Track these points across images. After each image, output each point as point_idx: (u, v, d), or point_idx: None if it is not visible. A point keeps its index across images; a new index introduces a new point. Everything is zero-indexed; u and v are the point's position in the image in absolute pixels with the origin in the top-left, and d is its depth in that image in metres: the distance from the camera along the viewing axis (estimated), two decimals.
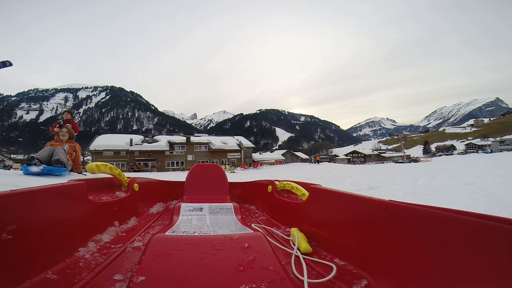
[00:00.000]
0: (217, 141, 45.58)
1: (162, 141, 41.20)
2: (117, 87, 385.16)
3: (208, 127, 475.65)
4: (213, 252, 0.80)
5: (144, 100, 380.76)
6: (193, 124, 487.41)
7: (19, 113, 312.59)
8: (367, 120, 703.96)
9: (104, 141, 37.58)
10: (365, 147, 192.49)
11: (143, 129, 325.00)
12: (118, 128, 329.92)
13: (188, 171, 2.46)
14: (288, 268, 0.84)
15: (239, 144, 46.35)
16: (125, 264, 0.81)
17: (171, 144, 40.62)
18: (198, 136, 49.17)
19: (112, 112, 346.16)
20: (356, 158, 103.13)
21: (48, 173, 3.80)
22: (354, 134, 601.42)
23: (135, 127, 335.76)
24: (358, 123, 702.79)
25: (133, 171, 32.59)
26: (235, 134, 58.32)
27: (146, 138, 42.61)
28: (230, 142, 47.01)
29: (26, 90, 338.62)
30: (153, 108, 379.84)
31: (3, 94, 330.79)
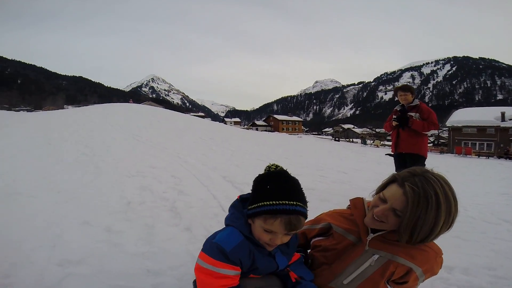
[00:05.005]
0: None
1: None
2: (461, 56, 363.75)
3: None
4: None
5: (503, 65, 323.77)
6: None
7: (380, 94, 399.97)
8: None
9: (465, 116, 33.87)
10: None
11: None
12: (477, 99, 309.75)
13: None
14: None
15: None
16: None
17: None
18: None
19: (465, 83, 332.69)
20: None
21: None
22: None
23: (500, 97, 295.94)
24: None
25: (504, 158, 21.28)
26: None
27: None
28: None
29: (378, 75, 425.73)
30: None
31: (364, 81, 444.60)
